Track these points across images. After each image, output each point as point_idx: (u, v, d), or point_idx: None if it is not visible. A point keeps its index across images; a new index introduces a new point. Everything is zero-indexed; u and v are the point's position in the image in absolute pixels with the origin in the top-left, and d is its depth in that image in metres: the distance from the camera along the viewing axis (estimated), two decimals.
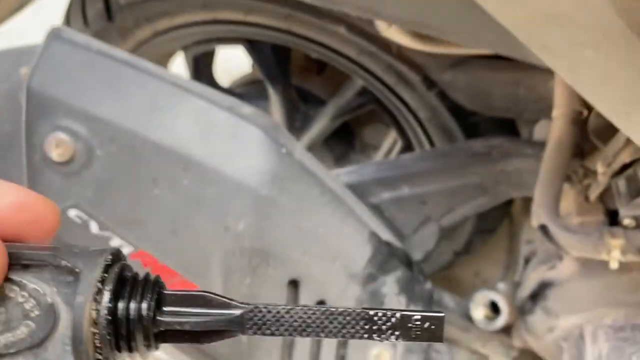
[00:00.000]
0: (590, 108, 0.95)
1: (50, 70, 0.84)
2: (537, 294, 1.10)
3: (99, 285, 0.34)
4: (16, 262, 0.35)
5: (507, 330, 1.33)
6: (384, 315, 0.34)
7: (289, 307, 0.35)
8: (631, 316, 1.01)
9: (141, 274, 0.37)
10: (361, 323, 0.35)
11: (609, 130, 0.92)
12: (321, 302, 0.96)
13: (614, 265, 0.89)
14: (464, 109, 1.18)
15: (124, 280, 0.36)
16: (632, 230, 0.88)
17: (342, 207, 0.94)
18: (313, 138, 1.39)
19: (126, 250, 0.87)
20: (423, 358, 1.10)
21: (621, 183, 0.91)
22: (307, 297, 0.94)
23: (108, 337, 0.34)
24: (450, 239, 1.49)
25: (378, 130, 1.53)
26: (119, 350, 0.35)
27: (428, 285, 1.08)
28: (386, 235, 1.02)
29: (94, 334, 0.34)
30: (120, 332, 0.35)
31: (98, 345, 0.34)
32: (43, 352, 0.34)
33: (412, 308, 1.05)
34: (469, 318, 1.28)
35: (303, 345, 0.98)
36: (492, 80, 1.05)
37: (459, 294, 1.30)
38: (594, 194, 1.06)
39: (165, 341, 0.36)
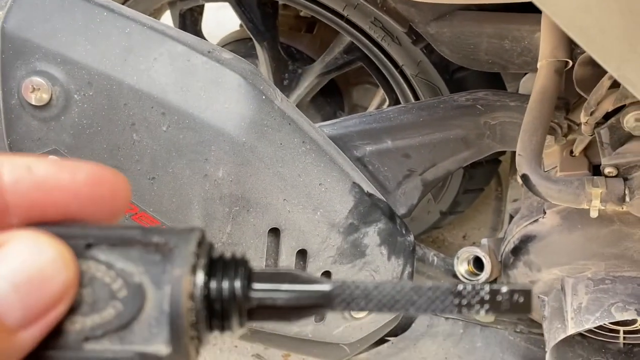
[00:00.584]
0: (575, 58, 0.95)
1: (26, 13, 0.83)
2: (520, 248, 1.11)
3: (194, 259, 0.33)
4: (103, 242, 0.34)
5: None
6: (473, 289, 0.34)
7: (377, 284, 0.34)
8: (612, 268, 1.02)
9: (227, 255, 0.36)
10: (450, 297, 0.34)
11: (593, 81, 0.92)
12: (302, 251, 0.96)
13: (594, 214, 0.89)
14: (450, 64, 1.17)
15: (213, 259, 0.35)
16: (613, 178, 0.88)
17: (324, 157, 0.94)
18: (301, 95, 1.38)
19: None
20: None
21: (604, 132, 0.91)
22: (287, 246, 0.94)
23: (204, 312, 0.33)
24: (437, 199, 1.49)
25: (366, 91, 1.52)
26: (211, 329, 0.35)
27: (410, 238, 1.08)
28: (368, 187, 1.01)
29: (191, 308, 0.33)
30: (214, 310, 0.34)
31: (194, 320, 0.33)
32: (129, 334, 0.33)
33: (408, 269, 1.05)
34: (453, 275, 1.28)
35: None
36: (477, 32, 1.03)
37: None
38: (578, 148, 1.06)
39: (254, 319, 0.35)
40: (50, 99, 0.83)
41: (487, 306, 0.34)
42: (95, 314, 0.33)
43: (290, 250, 0.95)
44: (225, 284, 0.34)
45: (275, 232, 0.94)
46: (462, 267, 1.24)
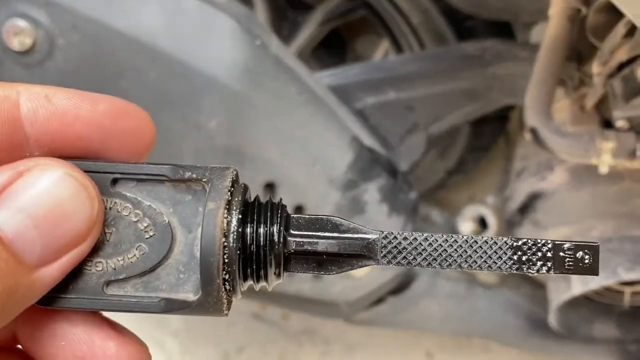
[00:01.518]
0: (588, 5, 0.89)
1: None
2: (526, 207, 1.07)
3: (229, 195, 0.31)
4: (130, 177, 0.32)
5: None
6: (534, 244, 0.32)
7: (427, 235, 0.32)
8: (620, 227, 0.98)
9: (263, 199, 0.33)
10: (509, 253, 0.32)
11: (608, 29, 0.86)
12: (299, 207, 0.93)
13: (603, 169, 0.85)
14: (458, 12, 1.11)
15: (248, 202, 0.33)
16: (625, 132, 0.84)
17: (322, 108, 0.90)
18: (301, 46, 1.33)
19: None
20: (405, 269, 1.08)
21: (617, 84, 0.86)
22: (284, 201, 0.91)
23: (238, 253, 0.31)
24: (442, 157, 1.45)
25: (370, 41, 1.46)
26: (245, 277, 0.32)
27: (413, 195, 1.05)
28: (369, 141, 0.97)
29: (224, 246, 0.30)
30: (250, 253, 0.31)
31: (226, 260, 0.30)
32: (155, 279, 0.31)
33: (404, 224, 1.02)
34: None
35: None
36: None
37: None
38: (590, 101, 1.01)
39: (292, 269, 0.33)
40: (34, 44, 0.79)
41: (549, 264, 0.32)
42: (118, 256, 0.31)
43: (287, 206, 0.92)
44: (262, 229, 0.32)
45: (271, 187, 0.91)
46: (465, 226, 1.21)
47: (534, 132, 0.86)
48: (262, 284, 0.33)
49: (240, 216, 0.31)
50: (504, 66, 0.98)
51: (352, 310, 1.12)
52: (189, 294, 0.31)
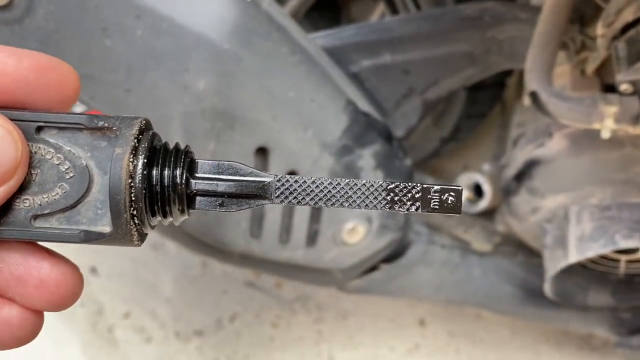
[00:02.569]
0: None
1: None
2: (523, 174, 1.05)
3: (135, 142, 0.35)
4: (53, 125, 0.36)
5: (489, 215, 1.29)
6: (405, 187, 0.36)
7: (314, 178, 0.37)
8: (619, 194, 0.96)
9: (171, 144, 0.38)
10: (383, 194, 0.36)
11: None
12: (292, 173, 0.91)
13: (605, 135, 0.83)
14: None
15: (156, 148, 0.37)
16: (628, 96, 0.81)
17: (315, 69, 0.87)
18: (294, 8, 1.28)
19: (78, 109, 0.80)
20: (400, 236, 1.07)
21: (621, 46, 0.83)
22: (276, 167, 0.88)
23: (143, 192, 0.35)
24: (437, 124, 1.42)
25: (365, 4, 1.42)
26: (153, 213, 0.37)
27: (408, 162, 1.02)
28: (365, 105, 0.94)
29: (131, 186, 0.34)
30: (155, 193, 0.36)
31: (133, 198, 0.35)
32: (76, 214, 0.36)
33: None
34: None
35: (274, 218, 0.94)
36: None
37: None
38: (591, 66, 0.98)
39: (195, 207, 0.38)
40: None
41: (418, 204, 0.36)
42: (43, 194, 0.35)
43: (279, 172, 0.89)
44: (167, 171, 0.36)
45: (263, 151, 0.88)
46: None
47: (534, 96, 0.84)
48: (170, 219, 0.37)
49: (145, 160, 0.35)
50: (503, 29, 0.95)
51: (346, 277, 1.10)
52: (105, 227, 0.35)
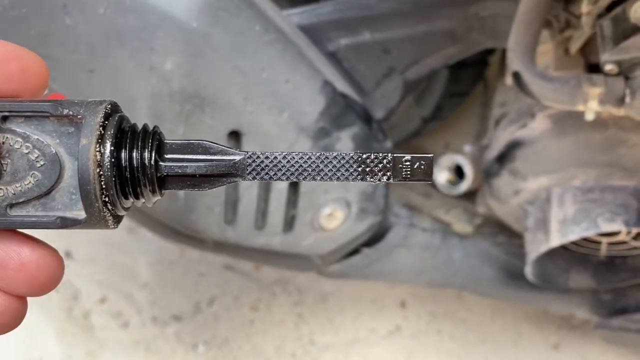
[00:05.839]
0: None
1: None
2: (505, 155, 1.03)
3: (101, 130, 0.35)
4: (17, 114, 0.35)
5: (471, 197, 1.27)
6: (376, 157, 0.36)
7: (285, 153, 0.37)
8: (602, 177, 0.94)
9: (140, 126, 0.38)
10: (354, 166, 0.36)
11: None
12: None
13: (589, 116, 0.80)
14: None
15: (124, 131, 0.36)
16: (613, 77, 0.78)
17: (290, 48, 0.83)
18: None
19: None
20: (379, 220, 1.04)
21: (606, 25, 0.80)
22: (250, 150, 0.85)
23: (113, 179, 0.35)
24: (418, 103, 1.39)
25: None
26: (125, 196, 0.36)
27: (388, 144, 0.99)
28: (342, 86, 0.91)
29: (100, 175, 0.34)
30: (125, 177, 0.36)
31: (104, 186, 0.35)
32: (51, 201, 0.36)
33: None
34: (432, 184, 1.21)
35: (248, 202, 0.91)
36: None
37: None
38: (575, 45, 0.95)
39: (167, 187, 0.38)
40: None
41: (389, 173, 0.36)
42: (16, 183, 0.35)
43: None
44: (135, 154, 0.36)
45: (235, 135, 0.84)
46: (441, 176, 1.16)
47: (516, 76, 0.81)
48: (142, 200, 0.37)
49: (112, 148, 0.35)
50: (486, 5, 0.91)
51: (325, 263, 1.08)
52: (81, 212, 0.35)
